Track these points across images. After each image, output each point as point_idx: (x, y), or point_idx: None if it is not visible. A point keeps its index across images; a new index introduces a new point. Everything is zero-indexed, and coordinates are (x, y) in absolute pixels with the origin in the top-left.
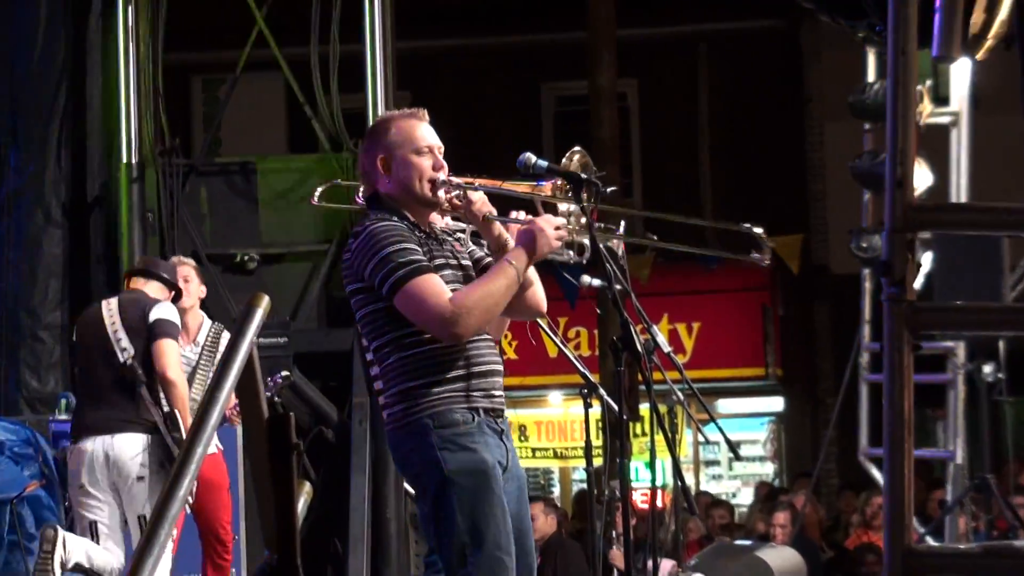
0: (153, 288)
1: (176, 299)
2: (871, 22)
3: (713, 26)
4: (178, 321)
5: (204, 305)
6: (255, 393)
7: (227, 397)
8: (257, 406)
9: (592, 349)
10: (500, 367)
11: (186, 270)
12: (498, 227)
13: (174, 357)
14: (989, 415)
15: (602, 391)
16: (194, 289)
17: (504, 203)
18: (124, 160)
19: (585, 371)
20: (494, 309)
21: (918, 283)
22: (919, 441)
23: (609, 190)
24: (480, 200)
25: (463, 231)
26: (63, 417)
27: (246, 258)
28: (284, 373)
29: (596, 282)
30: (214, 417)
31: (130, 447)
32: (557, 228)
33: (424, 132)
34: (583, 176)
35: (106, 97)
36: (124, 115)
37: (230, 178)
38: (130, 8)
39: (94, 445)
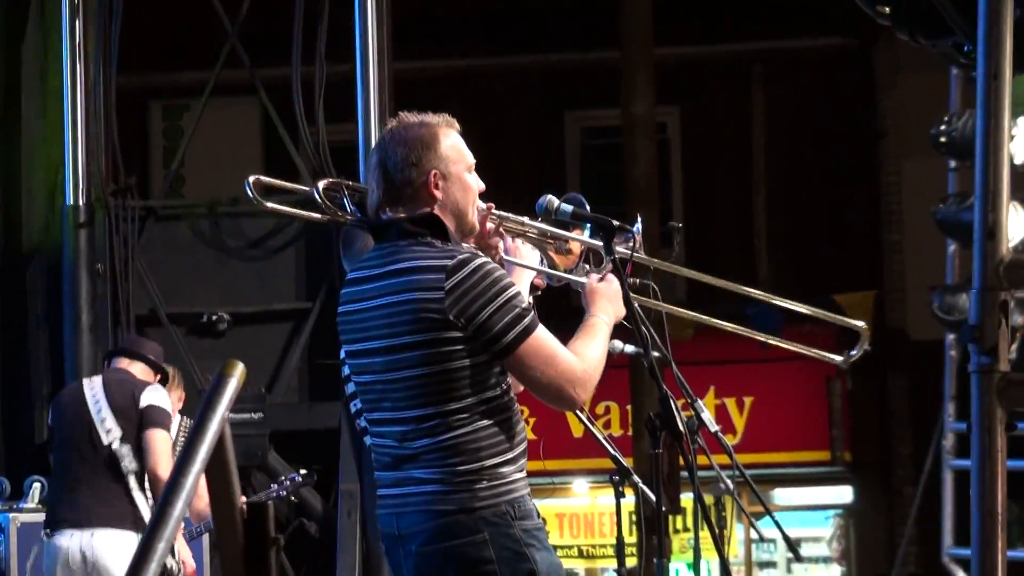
0: (139, 370)
1: (162, 382)
2: (957, 41)
3: (769, 44)
4: (171, 408)
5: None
6: (227, 479)
7: (194, 483)
8: (229, 494)
9: (624, 428)
10: None
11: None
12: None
13: (166, 452)
14: None
15: (636, 478)
16: (175, 399)
17: None
18: (70, 202)
19: (616, 454)
20: (600, 373)
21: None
22: (1013, 539)
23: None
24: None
25: None
26: (30, 505)
27: (214, 318)
28: (303, 472)
29: (630, 348)
30: (178, 508)
31: (112, 546)
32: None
33: (466, 147)
34: (616, 224)
35: (47, 128)
36: (70, 148)
37: (195, 223)
38: (77, 22)
39: (69, 542)
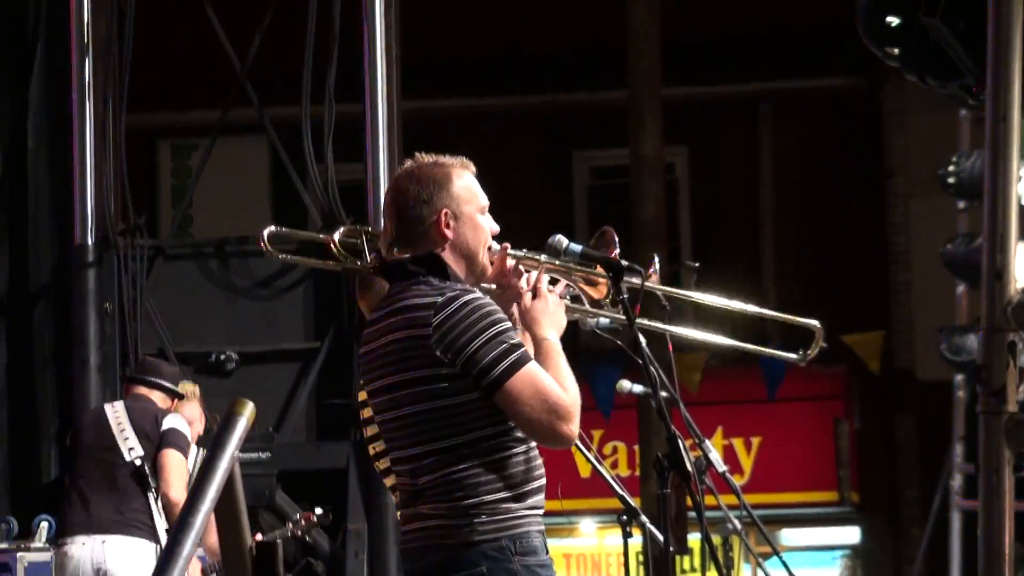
0: (158, 398)
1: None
2: (966, 83)
3: (778, 84)
4: (189, 433)
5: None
6: (236, 518)
7: (204, 521)
8: (239, 533)
9: (632, 468)
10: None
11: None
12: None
13: (181, 475)
14: None
15: (644, 518)
16: (195, 415)
17: None
18: (78, 241)
19: (624, 494)
20: None
21: (1021, 392)
22: None
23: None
24: (529, 280)
25: None
26: (38, 545)
27: (223, 357)
28: (319, 511)
29: (637, 388)
30: (187, 546)
31: (125, 554)
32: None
33: (480, 188)
34: (625, 264)
35: (56, 167)
36: (79, 187)
37: (203, 262)
38: (87, 61)
39: (80, 551)
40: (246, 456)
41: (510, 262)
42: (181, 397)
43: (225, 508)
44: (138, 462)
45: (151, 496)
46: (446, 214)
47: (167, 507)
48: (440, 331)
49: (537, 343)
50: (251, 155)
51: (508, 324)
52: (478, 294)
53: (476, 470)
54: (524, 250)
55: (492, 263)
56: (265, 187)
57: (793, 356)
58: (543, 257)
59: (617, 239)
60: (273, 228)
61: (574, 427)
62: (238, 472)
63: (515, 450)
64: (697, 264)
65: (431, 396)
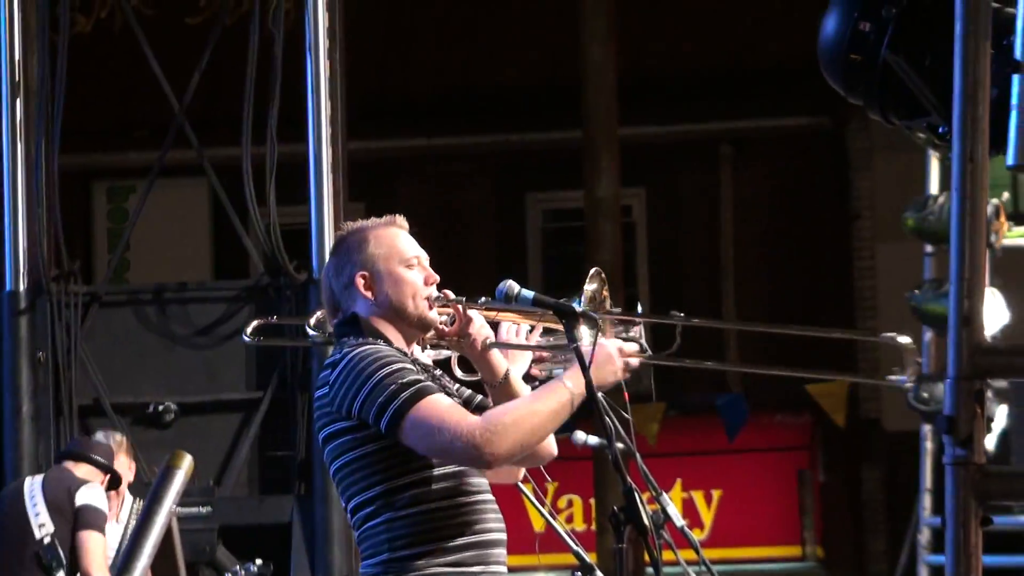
0: (83, 471)
1: (113, 485)
2: (932, 122)
3: (739, 124)
4: (106, 508)
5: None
6: (174, 574)
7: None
8: None
9: (588, 522)
10: (504, 535)
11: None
12: (499, 359)
13: (100, 555)
14: None
15: (600, 574)
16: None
17: None
18: (10, 287)
19: (579, 550)
20: (537, 434)
21: (990, 443)
22: None
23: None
24: (480, 323)
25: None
26: None
27: (161, 408)
28: (259, 562)
29: (593, 440)
30: None
31: None
32: (626, 355)
33: (409, 241)
34: (579, 310)
35: None
36: (10, 231)
37: (140, 309)
38: (18, 102)
39: None
40: (185, 511)
41: (473, 314)
42: (115, 474)
43: (163, 564)
44: (48, 539)
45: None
46: (364, 276)
47: None
48: (334, 388)
49: (554, 380)
50: (190, 198)
51: (401, 366)
52: (373, 346)
53: (387, 524)
54: (465, 298)
55: (428, 312)
56: (205, 231)
57: (895, 379)
58: (482, 300)
59: (603, 278)
60: (256, 322)
61: (488, 448)
62: (176, 527)
63: (438, 503)
64: (682, 314)
65: (343, 450)
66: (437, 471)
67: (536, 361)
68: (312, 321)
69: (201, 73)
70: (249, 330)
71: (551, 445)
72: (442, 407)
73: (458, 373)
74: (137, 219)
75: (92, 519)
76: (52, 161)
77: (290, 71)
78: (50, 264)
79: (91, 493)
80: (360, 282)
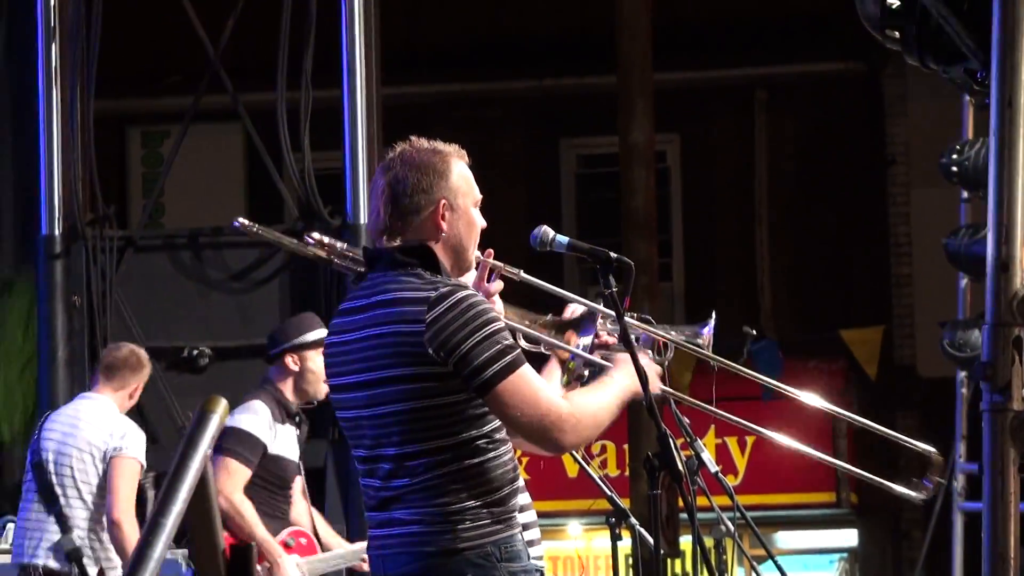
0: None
1: None
2: (970, 67)
3: (774, 69)
4: None
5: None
6: (210, 521)
7: (176, 522)
8: (212, 537)
9: (621, 468)
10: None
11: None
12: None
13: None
14: None
15: (633, 520)
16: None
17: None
18: (45, 232)
19: (613, 495)
20: (600, 427)
21: None
22: None
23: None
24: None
25: None
26: (3, 547)
27: (195, 352)
28: None
29: None
30: (159, 547)
31: None
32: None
33: (474, 182)
34: (613, 255)
35: (21, 155)
36: (45, 177)
37: (175, 254)
38: (53, 46)
39: None
40: None
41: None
42: None
43: (198, 510)
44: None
45: None
46: (444, 204)
47: None
48: (434, 328)
49: (608, 374)
50: (225, 143)
51: (502, 324)
52: (473, 291)
53: (458, 474)
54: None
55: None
56: (240, 176)
57: (913, 494)
58: (520, 272)
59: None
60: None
61: (566, 437)
62: (211, 472)
63: (497, 452)
64: (755, 331)
65: (417, 395)
66: (493, 424)
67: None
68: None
69: (236, 18)
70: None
71: None
72: (538, 383)
73: None
74: (172, 164)
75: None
76: (87, 106)
77: (325, 16)
78: (85, 209)
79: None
80: (440, 210)
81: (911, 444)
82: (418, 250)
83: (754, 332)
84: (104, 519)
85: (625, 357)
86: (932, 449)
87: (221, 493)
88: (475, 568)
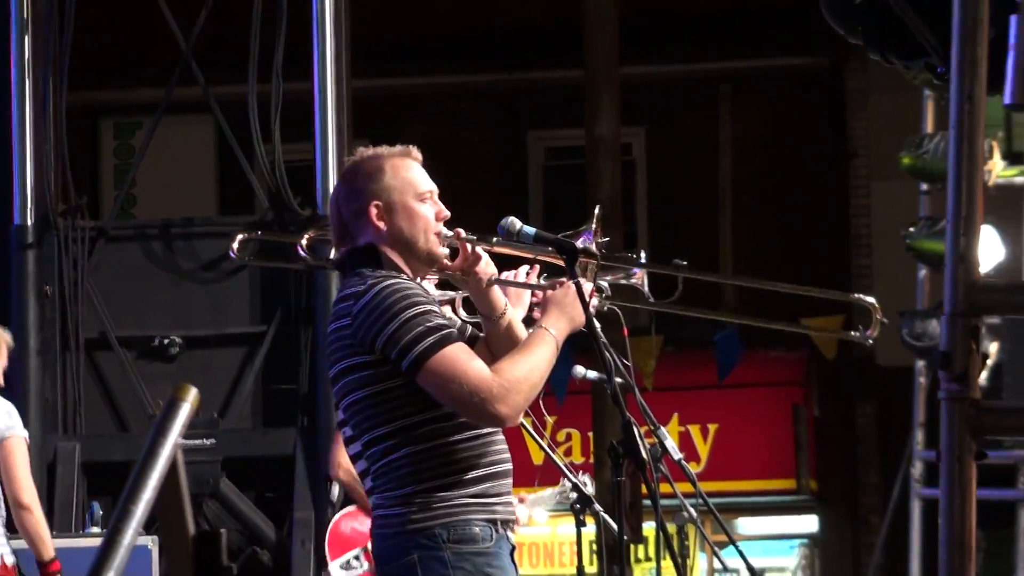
0: None
1: None
2: (931, 62)
3: (738, 64)
4: None
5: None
6: (179, 507)
7: (146, 510)
8: (181, 522)
9: (586, 455)
10: (511, 466)
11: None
12: (499, 296)
13: None
14: None
15: (598, 507)
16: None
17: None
18: (17, 222)
19: (578, 482)
20: (539, 386)
21: (984, 378)
22: (984, 570)
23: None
24: (486, 260)
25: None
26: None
27: (166, 341)
28: None
29: (592, 374)
30: (129, 534)
31: None
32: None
33: (423, 175)
34: (579, 246)
35: None
36: (18, 167)
37: (147, 244)
38: (26, 38)
39: None
40: (190, 443)
41: (475, 248)
42: None
43: (168, 496)
44: None
45: None
46: (377, 206)
47: None
48: (358, 319)
49: (535, 328)
50: (196, 134)
51: (428, 307)
52: (399, 280)
53: (409, 458)
54: (476, 236)
55: (445, 247)
56: (211, 167)
57: (858, 336)
58: (493, 240)
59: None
60: (242, 236)
61: (501, 407)
62: (181, 459)
63: (455, 436)
64: (685, 263)
65: (361, 385)
66: (443, 410)
67: (537, 305)
68: (304, 242)
69: (208, 10)
70: (236, 244)
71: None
72: (463, 358)
73: (462, 314)
74: (143, 155)
75: None
76: (60, 98)
77: (296, 10)
78: (57, 199)
79: None
80: (373, 211)
81: (848, 298)
82: (361, 251)
83: (684, 263)
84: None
85: (547, 297)
86: (871, 299)
87: None
88: (421, 549)
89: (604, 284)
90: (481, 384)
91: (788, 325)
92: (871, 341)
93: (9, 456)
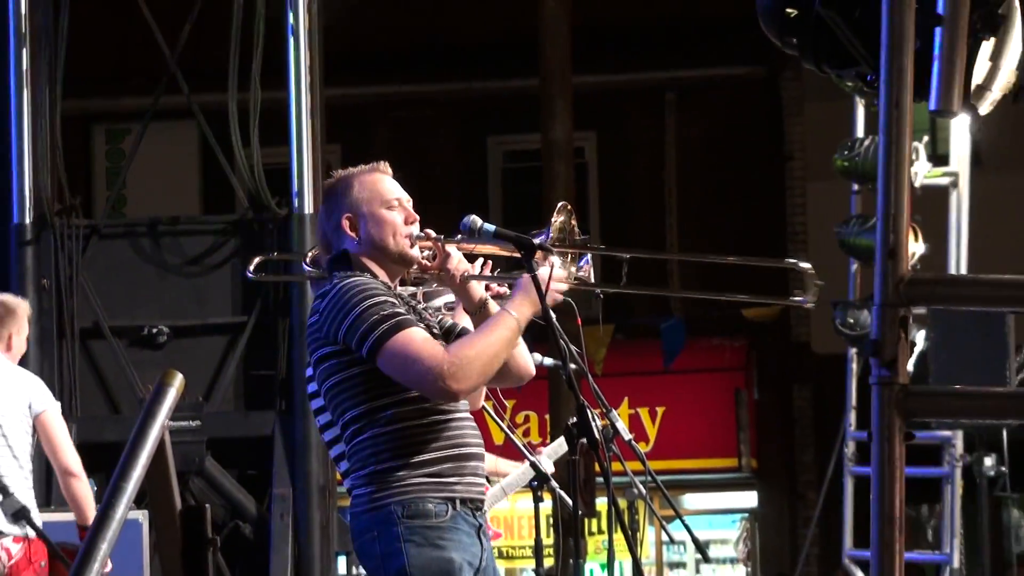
0: None
1: None
2: (861, 71)
3: (682, 73)
4: None
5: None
6: (167, 484)
7: (136, 487)
8: (169, 498)
9: (543, 436)
10: (481, 449)
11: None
12: (477, 289)
13: None
14: (989, 513)
15: (554, 483)
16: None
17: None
18: (16, 220)
19: (535, 460)
20: (494, 363)
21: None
22: (911, 542)
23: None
24: (458, 257)
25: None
26: None
27: (154, 331)
28: None
29: (548, 361)
30: (120, 510)
31: None
32: (558, 280)
33: (391, 185)
34: (536, 242)
35: None
36: (17, 171)
37: (136, 241)
38: (24, 50)
39: None
40: (177, 424)
41: (451, 249)
42: None
43: (156, 474)
44: None
45: None
46: (348, 218)
47: None
48: (323, 314)
49: (500, 310)
50: (181, 139)
51: (384, 299)
52: (360, 278)
53: (372, 440)
54: (443, 236)
55: (410, 249)
56: (195, 169)
57: (799, 299)
58: (459, 237)
59: (571, 210)
60: (259, 259)
61: (452, 383)
62: (168, 440)
63: (416, 421)
64: (587, 235)
65: (331, 372)
66: (407, 394)
67: (496, 298)
68: (308, 258)
69: (192, 24)
70: (252, 267)
71: (529, 365)
72: (416, 340)
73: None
74: (133, 159)
75: None
76: (56, 106)
77: (272, 24)
78: (54, 200)
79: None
80: (345, 223)
81: (782, 264)
82: (337, 258)
83: (586, 237)
84: (30, 477)
85: (522, 281)
86: (806, 265)
87: None
88: (380, 525)
89: (582, 275)
90: (433, 362)
91: (730, 295)
92: (810, 304)
93: (49, 428)
